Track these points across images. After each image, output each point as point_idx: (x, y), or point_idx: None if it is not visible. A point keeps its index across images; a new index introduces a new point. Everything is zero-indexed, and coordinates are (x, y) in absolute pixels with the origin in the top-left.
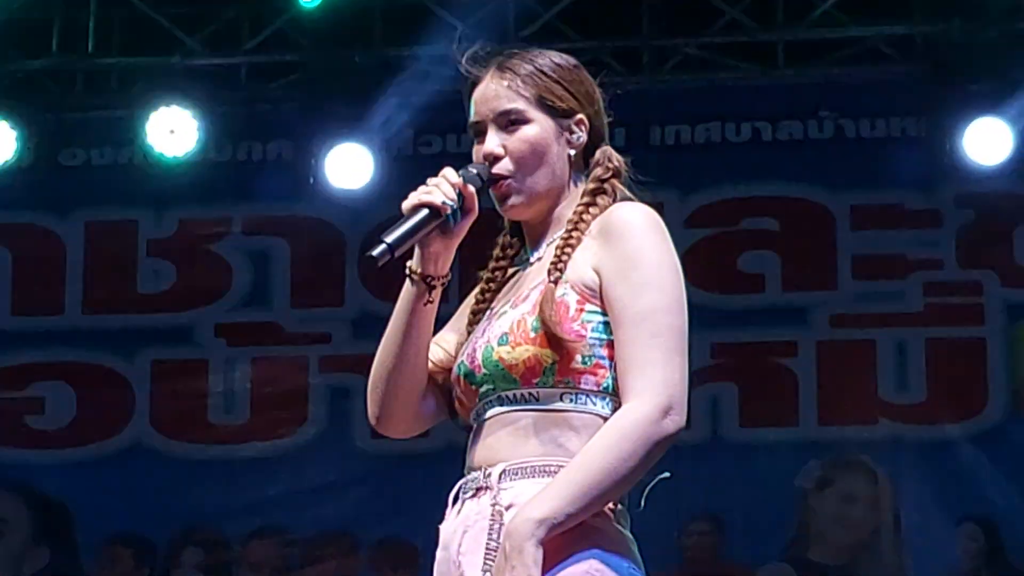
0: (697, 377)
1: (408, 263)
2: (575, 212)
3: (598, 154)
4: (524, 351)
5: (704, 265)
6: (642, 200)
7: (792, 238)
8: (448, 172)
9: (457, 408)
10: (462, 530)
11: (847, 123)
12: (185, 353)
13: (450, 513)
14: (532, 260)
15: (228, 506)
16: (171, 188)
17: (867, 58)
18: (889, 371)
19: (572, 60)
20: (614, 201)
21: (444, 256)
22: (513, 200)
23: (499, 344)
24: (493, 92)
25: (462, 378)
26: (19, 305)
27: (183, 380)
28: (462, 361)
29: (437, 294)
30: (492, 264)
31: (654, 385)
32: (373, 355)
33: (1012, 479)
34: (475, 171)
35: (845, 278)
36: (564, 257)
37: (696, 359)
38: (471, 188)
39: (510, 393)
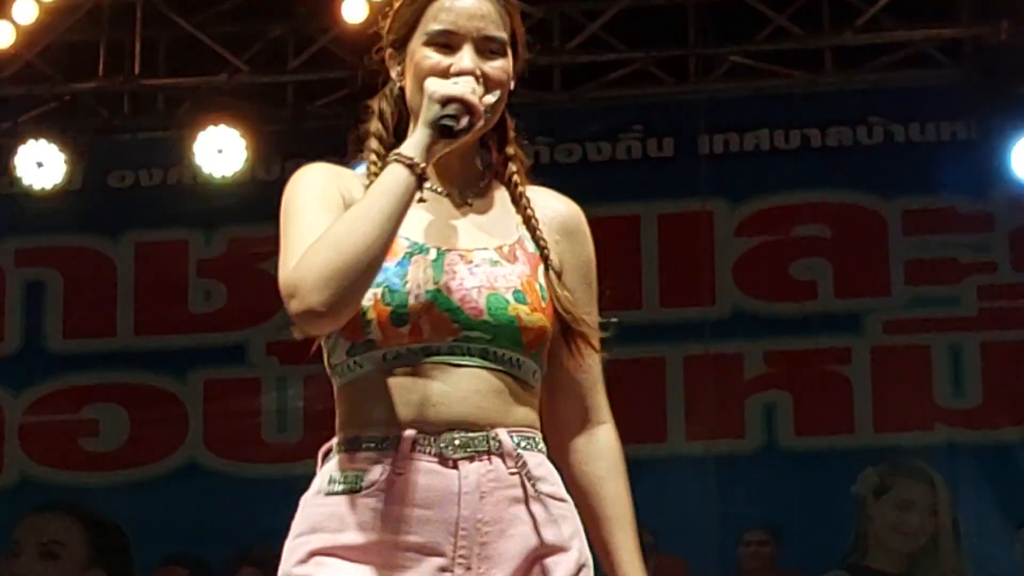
0: (751, 386)
1: (405, 153)
2: (512, 175)
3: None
4: (539, 319)
5: (756, 273)
6: (687, 211)
7: (844, 244)
8: (472, 81)
9: (366, 324)
10: (477, 496)
11: (896, 128)
12: (238, 372)
13: (421, 467)
14: (467, 200)
15: (283, 525)
16: (220, 207)
17: (915, 62)
18: (944, 376)
19: None
20: (524, 166)
21: (435, 157)
22: (464, 123)
23: (516, 300)
24: (481, 11)
25: (436, 308)
26: (71, 328)
27: (236, 399)
28: (437, 291)
29: None
30: (373, 167)
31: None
32: None
33: None
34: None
35: (898, 283)
36: (543, 237)
37: (750, 368)
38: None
39: (502, 352)
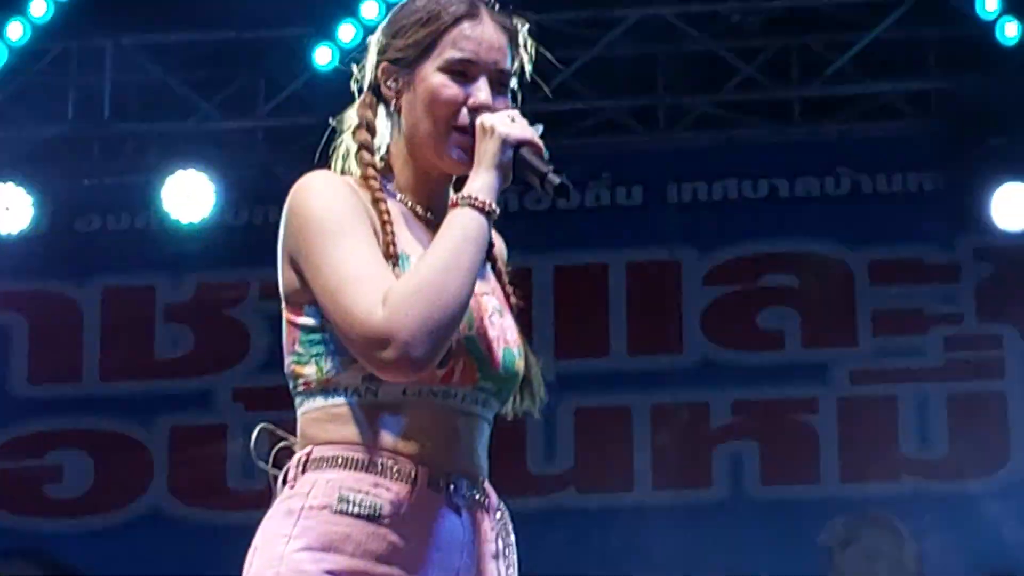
0: (718, 435)
1: (480, 198)
2: None
3: None
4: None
5: (723, 322)
6: (655, 260)
7: (811, 294)
8: (522, 119)
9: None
10: (474, 547)
11: (864, 179)
12: (204, 418)
13: (436, 509)
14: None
15: None
16: (188, 253)
17: (882, 113)
18: (911, 427)
19: None
20: None
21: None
22: (470, 163)
23: (518, 356)
24: (499, 43)
25: (469, 355)
26: (36, 373)
27: (202, 446)
28: (471, 337)
29: None
30: (374, 182)
31: None
32: None
33: None
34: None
35: (865, 334)
36: (511, 286)
37: (717, 417)
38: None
39: (496, 405)
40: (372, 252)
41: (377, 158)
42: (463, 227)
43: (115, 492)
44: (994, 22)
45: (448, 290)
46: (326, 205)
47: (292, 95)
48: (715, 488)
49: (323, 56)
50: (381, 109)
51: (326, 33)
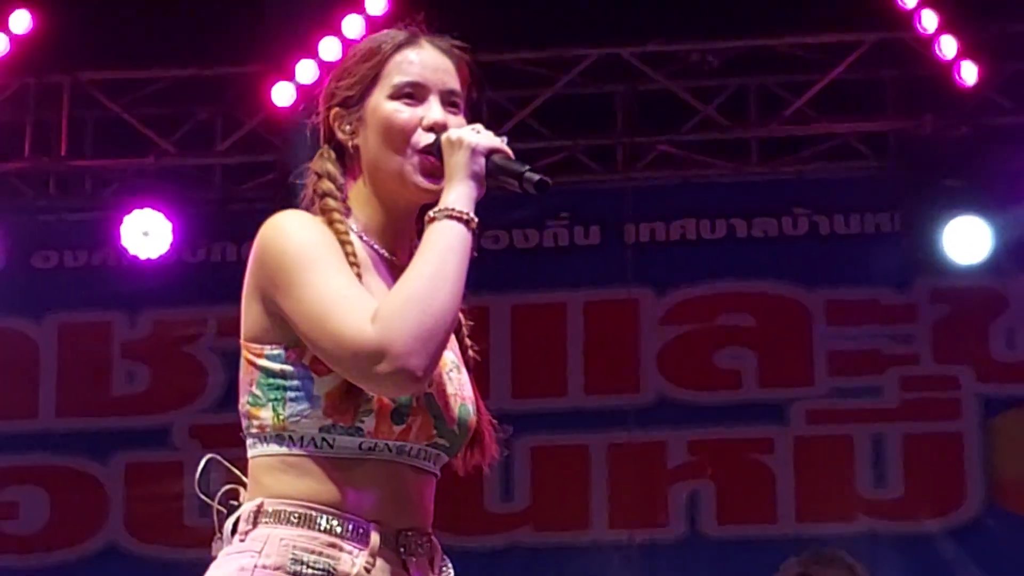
0: (675, 474)
1: (459, 209)
2: None
3: None
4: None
5: (680, 362)
6: (613, 299)
7: (768, 334)
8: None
9: (364, 414)
10: None
11: (821, 219)
12: (160, 455)
13: (388, 568)
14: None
15: None
16: (145, 290)
17: (840, 154)
18: (866, 467)
19: None
20: None
21: None
22: (436, 185)
23: (472, 411)
24: (444, 65)
25: (428, 412)
26: None
27: (158, 483)
28: (430, 394)
29: None
30: (340, 225)
31: None
32: None
33: (990, 573)
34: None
35: (821, 374)
36: (468, 339)
37: (673, 456)
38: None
39: (446, 460)
40: (352, 278)
41: (340, 205)
42: (444, 238)
43: (71, 529)
44: (952, 63)
45: (438, 298)
46: (302, 238)
47: (250, 132)
48: (671, 527)
49: (281, 93)
50: (337, 159)
51: (284, 71)
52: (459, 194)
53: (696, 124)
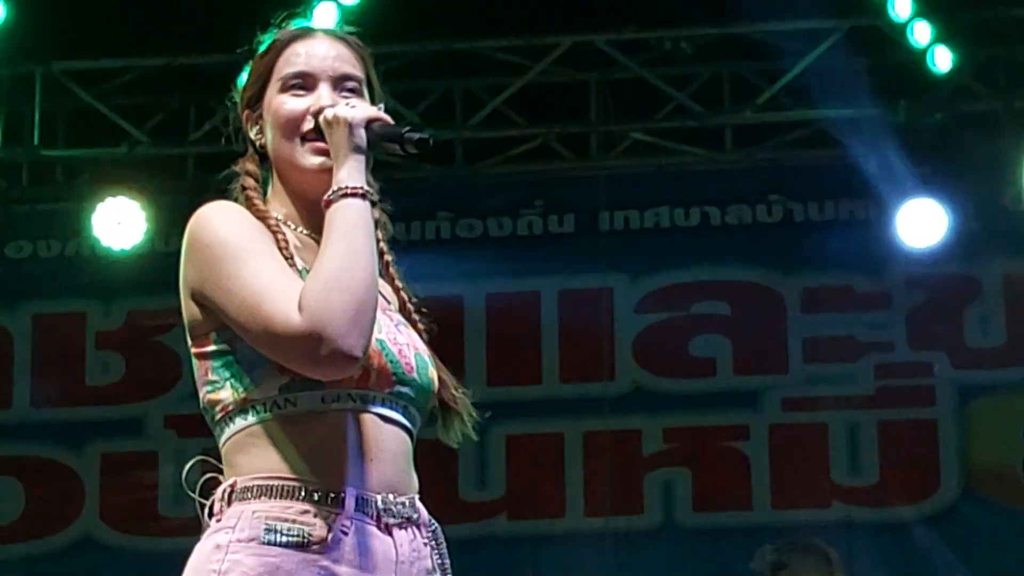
0: (650, 462)
1: (352, 185)
2: (378, 242)
3: None
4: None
5: (655, 350)
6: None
7: (743, 322)
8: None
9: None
10: (407, 565)
11: (795, 206)
12: (135, 445)
13: (365, 529)
14: None
15: None
16: (119, 280)
17: (815, 141)
18: (841, 454)
19: None
20: (386, 233)
21: None
22: (329, 163)
23: (430, 363)
24: (334, 52)
25: (384, 356)
26: None
27: (133, 473)
28: (382, 340)
29: None
30: (269, 221)
31: None
32: None
33: (966, 560)
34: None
35: (796, 361)
36: (419, 313)
37: (649, 444)
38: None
39: (414, 414)
40: (280, 265)
41: (263, 199)
42: (345, 215)
43: (46, 519)
44: (926, 50)
45: (355, 274)
46: (228, 229)
47: (223, 121)
48: (647, 515)
49: None
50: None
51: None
52: (348, 170)
53: (670, 112)
